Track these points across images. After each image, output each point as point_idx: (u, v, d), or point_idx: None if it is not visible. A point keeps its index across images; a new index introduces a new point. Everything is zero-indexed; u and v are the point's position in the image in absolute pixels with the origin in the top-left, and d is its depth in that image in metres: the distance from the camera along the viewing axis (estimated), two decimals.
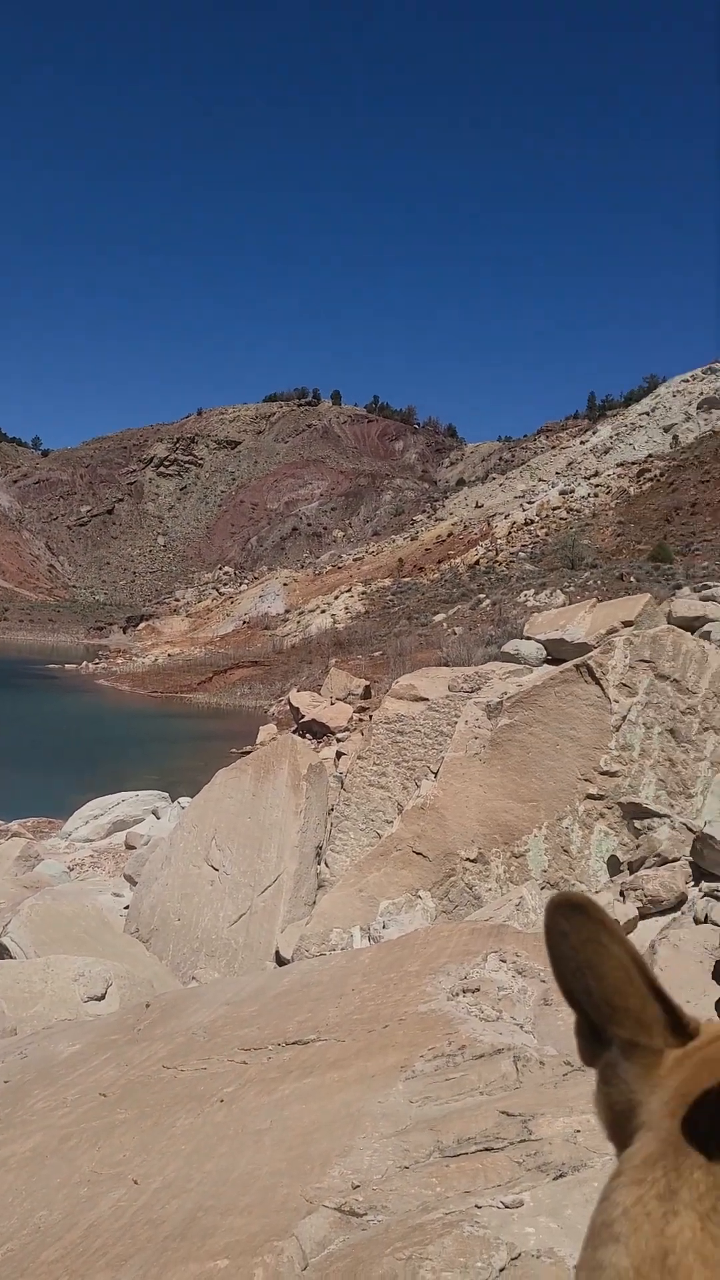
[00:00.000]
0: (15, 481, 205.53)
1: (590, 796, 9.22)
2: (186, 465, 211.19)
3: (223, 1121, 3.17)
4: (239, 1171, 2.77)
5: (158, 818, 17.48)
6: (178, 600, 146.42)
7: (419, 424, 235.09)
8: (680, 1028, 0.64)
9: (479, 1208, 2.24)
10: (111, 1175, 2.96)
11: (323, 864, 10.25)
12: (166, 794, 19.52)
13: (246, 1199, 2.58)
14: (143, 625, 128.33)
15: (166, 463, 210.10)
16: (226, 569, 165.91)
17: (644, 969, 0.63)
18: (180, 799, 18.44)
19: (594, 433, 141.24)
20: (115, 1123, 3.41)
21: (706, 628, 9.88)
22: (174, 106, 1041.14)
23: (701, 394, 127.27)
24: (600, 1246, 0.54)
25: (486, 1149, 2.57)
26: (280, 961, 8.65)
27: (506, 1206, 2.23)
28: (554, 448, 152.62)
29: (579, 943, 0.63)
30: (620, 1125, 0.62)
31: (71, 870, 14.95)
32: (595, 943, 0.63)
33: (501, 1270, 2.02)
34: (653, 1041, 0.63)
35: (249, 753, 13.23)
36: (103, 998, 7.05)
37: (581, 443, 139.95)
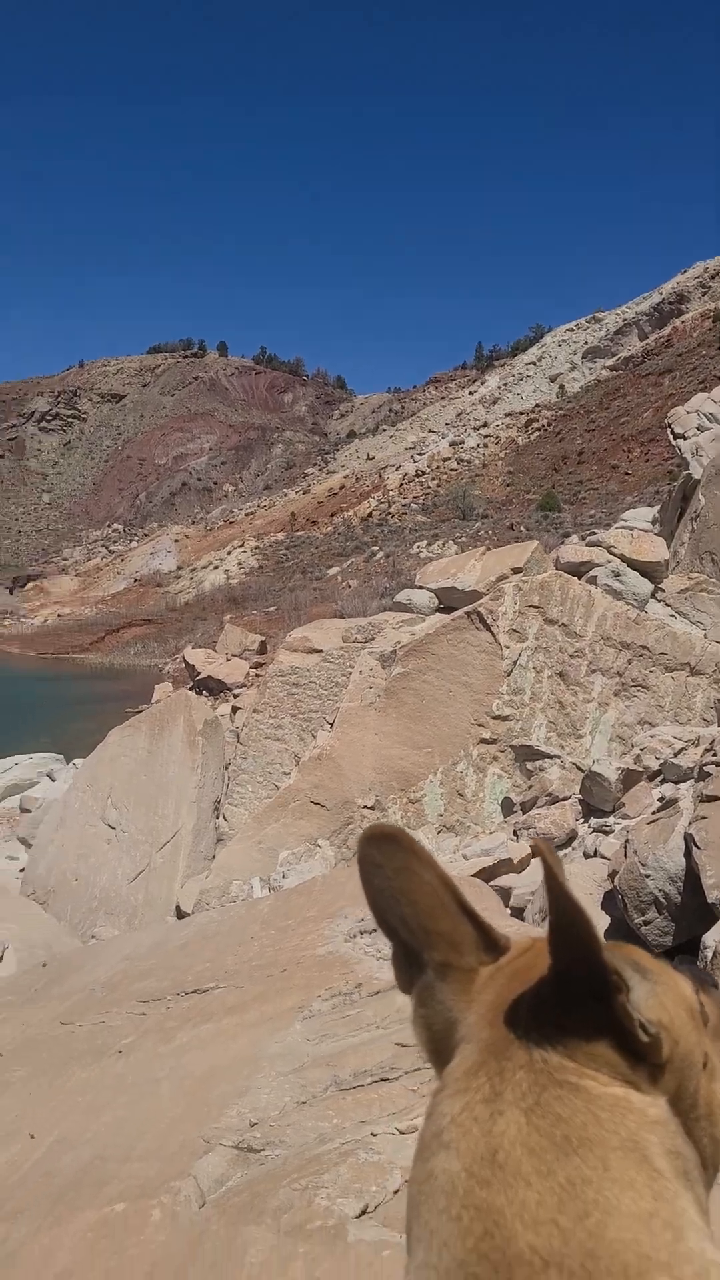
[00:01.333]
0: None
1: (483, 741, 9.40)
2: (70, 420, 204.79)
3: (121, 1073, 3.18)
4: (137, 1120, 2.78)
5: (53, 780, 17.14)
6: (66, 559, 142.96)
7: (308, 375, 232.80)
8: (492, 945, 0.66)
9: (374, 1135, 2.30)
10: (6, 1133, 2.94)
11: (221, 818, 10.25)
12: (61, 756, 19.17)
13: (144, 1145, 2.59)
14: (30, 586, 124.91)
15: (48, 417, 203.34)
16: (115, 526, 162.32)
17: (455, 892, 0.65)
18: (75, 760, 18.13)
19: (482, 383, 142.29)
20: (10, 1081, 3.39)
21: (593, 572, 10.10)
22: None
23: (586, 343, 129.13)
24: (431, 1157, 0.56)
25: (382, 1079, 2.64)
26: (181, 916, 8.64)
27: (401, 1133, 2.30)
28: (443, 399, 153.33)
29: (392, 871, 0.64)
30: (440, 1044, 0.64)
31: None
32: (408, 871, 0.64)
33: (396, 1192, 2.09)
34: (465, 960, 0.65)
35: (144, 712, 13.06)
36: None
37: (470, 393, 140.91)
